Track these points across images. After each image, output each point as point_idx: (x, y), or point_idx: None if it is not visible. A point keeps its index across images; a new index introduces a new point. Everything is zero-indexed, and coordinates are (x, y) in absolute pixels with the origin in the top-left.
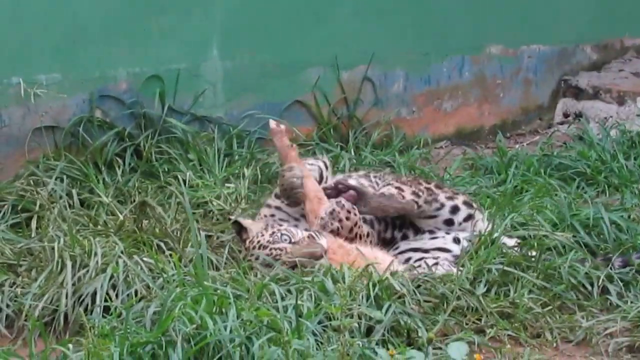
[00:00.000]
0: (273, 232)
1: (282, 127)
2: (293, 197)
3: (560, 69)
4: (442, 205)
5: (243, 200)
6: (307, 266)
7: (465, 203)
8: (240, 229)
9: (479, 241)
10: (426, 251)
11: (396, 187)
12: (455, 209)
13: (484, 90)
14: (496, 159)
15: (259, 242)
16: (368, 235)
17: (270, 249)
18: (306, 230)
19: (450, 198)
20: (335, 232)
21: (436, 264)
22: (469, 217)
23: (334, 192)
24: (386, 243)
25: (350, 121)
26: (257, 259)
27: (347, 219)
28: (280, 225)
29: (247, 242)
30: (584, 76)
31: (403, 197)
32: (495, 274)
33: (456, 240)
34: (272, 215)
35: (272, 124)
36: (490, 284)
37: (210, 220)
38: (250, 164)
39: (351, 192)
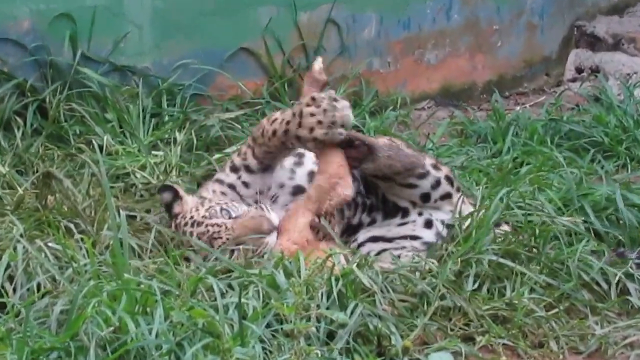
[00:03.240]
0: (210, 207)
1: (325, 78)
2: None
3: (573, 12)
4: (427, 173)
5: (174, 171)
6: (252, 246)
7: (447, 178)
8: (172, 200)
9: (467, 226)
10: (389, 240)
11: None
12: (437, 183)
13: (477, 38)
14: (491, 124)
15: (192, 217)
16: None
17: (207, 226)
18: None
19: (435, 167)
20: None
21: (399, 256)
22: (447, 196)
23: (346, 144)
24: (354, 230)
25: None
26: (190, 234)
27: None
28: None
29: (179, 217)
30: (602, 21)
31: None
32: (487, 267)
33: (428, 224)
34: (223, 194)
35: (317, 65)
36: (481, 279)
37: (132, 196)
38: (183, 127)
39: (363, 147)
